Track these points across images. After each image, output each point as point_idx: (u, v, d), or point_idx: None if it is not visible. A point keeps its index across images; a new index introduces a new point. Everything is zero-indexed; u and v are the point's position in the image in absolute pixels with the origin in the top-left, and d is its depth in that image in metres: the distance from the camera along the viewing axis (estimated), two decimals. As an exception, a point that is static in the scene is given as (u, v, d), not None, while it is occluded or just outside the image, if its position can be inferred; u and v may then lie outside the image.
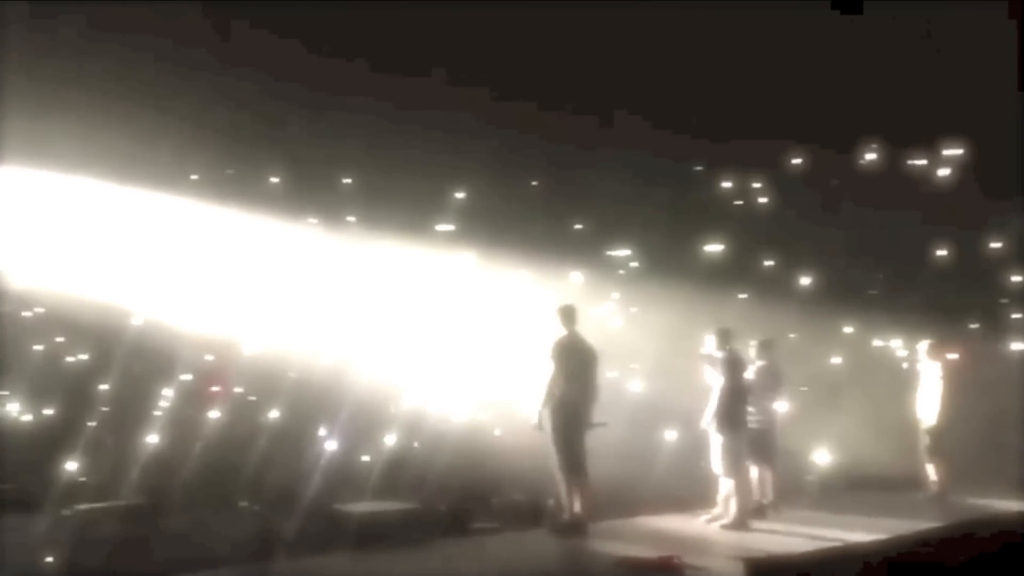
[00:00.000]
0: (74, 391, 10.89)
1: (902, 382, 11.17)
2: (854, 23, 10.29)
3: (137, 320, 11.54)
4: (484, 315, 12.08)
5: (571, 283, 13.01)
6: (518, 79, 11.79)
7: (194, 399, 11.02)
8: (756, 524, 8.69)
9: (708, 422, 8.67)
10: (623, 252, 13.86)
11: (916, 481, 10.30)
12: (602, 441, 8.40)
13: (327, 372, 11.37)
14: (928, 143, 13.18)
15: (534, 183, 13.60)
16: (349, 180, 12.96)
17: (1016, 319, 13.40)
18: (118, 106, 10.34)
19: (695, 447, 9.31)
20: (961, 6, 10.86)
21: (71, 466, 8.98)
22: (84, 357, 11.67)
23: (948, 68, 11.54)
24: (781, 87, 11.79)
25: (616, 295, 13.57)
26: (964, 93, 11.58)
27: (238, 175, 12.26)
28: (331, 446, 10.17)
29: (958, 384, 10.23)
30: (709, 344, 8.96)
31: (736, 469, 8.69)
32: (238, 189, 12.03)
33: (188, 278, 11.65)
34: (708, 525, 8.72)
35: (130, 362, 11.21)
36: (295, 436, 10.37)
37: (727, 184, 13.81)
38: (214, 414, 10.90)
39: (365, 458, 10.10)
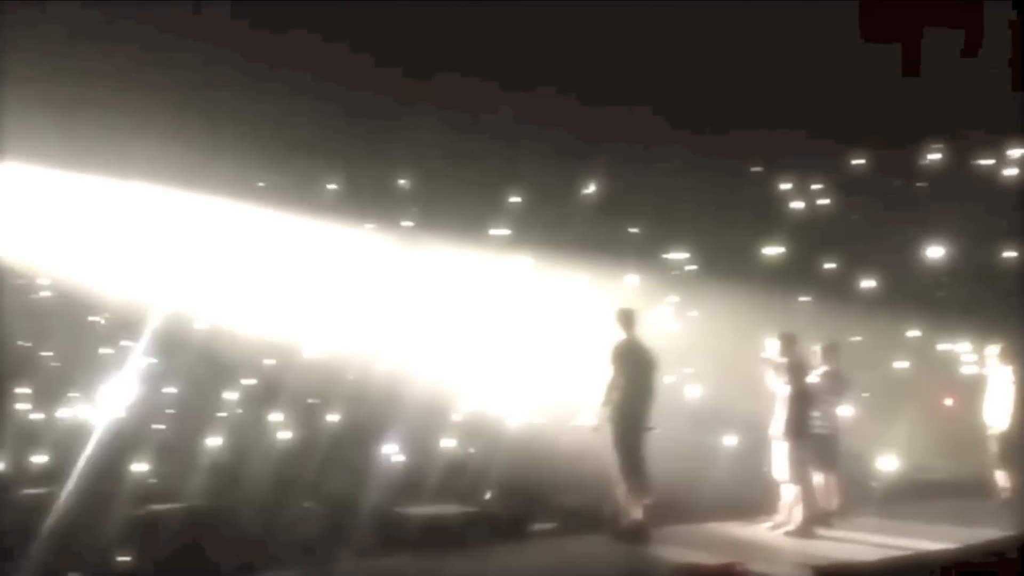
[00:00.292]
0: (142, 394, 11.13)
1: (971, 387, 10.91)
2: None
3: (201, 324, 11.76)
4: (541, 319, 12.07)
5: (628, 286, 12.94)
6: (572, 80, 11.78)
7: None
8: (821, 531, 8.54)
9: (776, 429, 8.56)
10: (681, 255, 13.75)
11: (985, 488, 10.04)
12: (662, 446, 8.34)
13: (387, 375, 11.46)
14: (995, 142, 12.88)
15: (590, 185, 13.57)
16: (405, 184, 13.07)
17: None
18: (185, 116, 10.57)
19: (756, 452, 9.18)
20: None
21: (141, 467, 9.17)
22: (152, 361, 11.93)
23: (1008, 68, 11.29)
24: (844, 86, 11.61)
25: (674, 298, 13.47)
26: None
27: (297, 181, 12.44)
28: (391, 449, 10.24)
29: (1029, 388, 9.95)
30: (771, 348, 8.85)
31: (801, 475, 8.55)
32: (297, 195, 12.21)
33: (250, 283, 11.84)
34: (771, 532, 8.60)
35: (195, 366, 11.43)
36: (356, 439, 10.46)
37: (787, 184, 13.63)
38: (277, 416, 11.07)
39: (424, 461, 10.15)
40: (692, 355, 11.84)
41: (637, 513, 8.09)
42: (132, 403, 10.90)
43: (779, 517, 8.69)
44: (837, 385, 9.32)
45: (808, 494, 8.62)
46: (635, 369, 8.19)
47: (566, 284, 12.43)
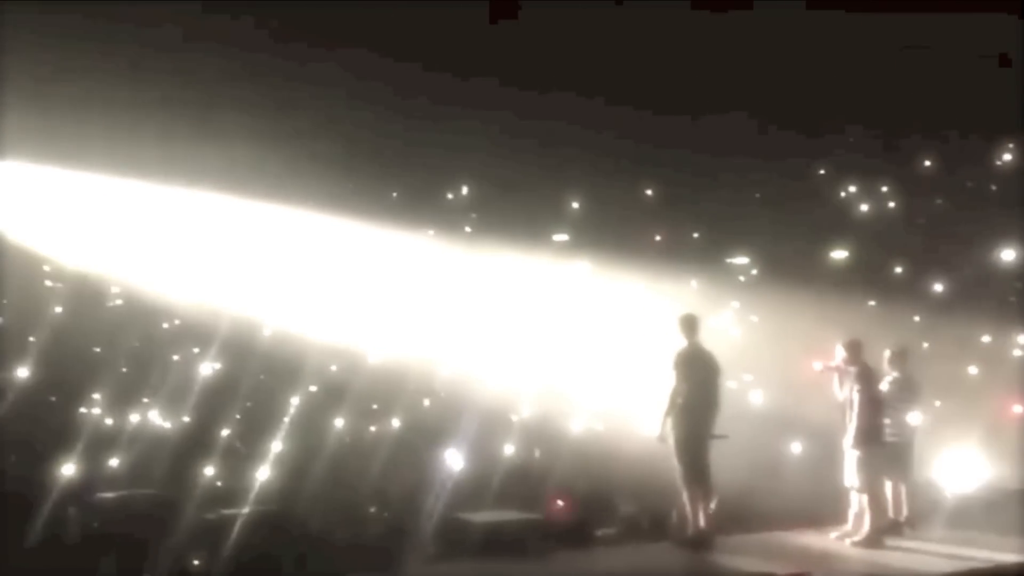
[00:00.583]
0: (209, 400, 11.37)
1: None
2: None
3: (267, 330, 11.99)
4: (603, 325, 12.04)
5: (690, 291, 12.83)
6: (633, 89, 11.76)
7: None
8: (890, 542, 8.36)
9: (847, 438, 8.40)
10: (742, 260, 13.60)
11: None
12: (727, 453, 8.24)
13: (450, 381, 11.55)
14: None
15: (650, 191, 13.51)
16: (466, 192, 13.16)
17: None
18: (258, 127, 10.80)
19: (822, 459, 9.03)
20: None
21: (209, 471, 9.38)
22: (217, 366, 12.19)
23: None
24: (913, 88, 11.40)
25: (736, 303, 13.32)
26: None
27: (359, 189, 12.61)
28: (454, 455, 10.31)
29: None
30: (839, 355, 8.69)
31: (871, 484, 8.38)
32: (360, 202, 12.37)
33: (315, 290, 12.03)
34: (839, 542, 8.44)
35: (261, 371, 11.65)
36: (419, 445, 10.56)
37: (852, 187, 13.40)
38: (341, 422, 11.23)
39: (487, 467, 10.19)
40: (755, 361, 11.68)
41: (701, 521, 8.02)
42: (201, 408, 11.14)
43: (847, 526, 8.53)
44: (908, 392, 9.09)
45: (878, 503, 8.43)
46: (698, 376, 8.10)
47: (627, 290, 12.38)
